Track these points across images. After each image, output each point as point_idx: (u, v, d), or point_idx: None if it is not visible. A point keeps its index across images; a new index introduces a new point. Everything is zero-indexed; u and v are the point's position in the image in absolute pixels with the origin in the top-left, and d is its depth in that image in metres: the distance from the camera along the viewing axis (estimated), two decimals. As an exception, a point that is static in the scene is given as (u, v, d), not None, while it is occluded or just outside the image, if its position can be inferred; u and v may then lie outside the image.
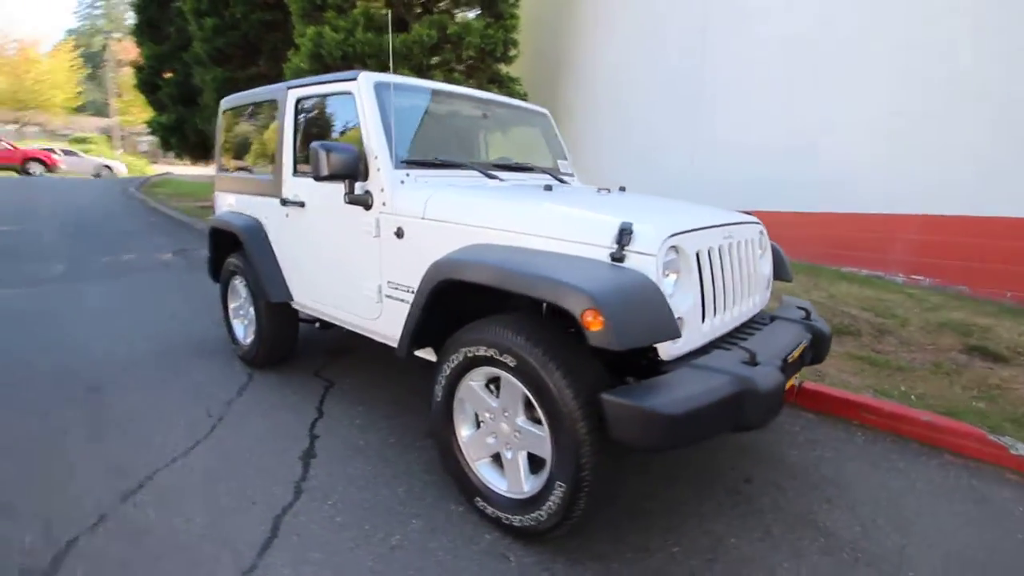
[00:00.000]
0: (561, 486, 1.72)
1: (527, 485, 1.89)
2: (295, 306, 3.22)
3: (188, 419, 2.81)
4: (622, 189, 2.89)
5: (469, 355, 1.94)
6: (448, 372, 2.04)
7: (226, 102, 3.73)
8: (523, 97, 7.96)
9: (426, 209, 2.28)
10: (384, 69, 8.08)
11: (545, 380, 1.70)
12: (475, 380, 2.01)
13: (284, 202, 3.01)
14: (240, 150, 3.63)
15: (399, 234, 2.38)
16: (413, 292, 2.36)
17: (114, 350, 3.73)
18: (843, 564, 1.88)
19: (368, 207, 2.48)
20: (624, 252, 1.75)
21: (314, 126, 2.91)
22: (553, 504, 1.75)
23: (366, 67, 7.80)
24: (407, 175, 2.46)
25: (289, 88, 3.01)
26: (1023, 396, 3.03)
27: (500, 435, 1.97)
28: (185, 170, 23.22)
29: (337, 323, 2.95)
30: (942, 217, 4.87)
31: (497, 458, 2.04)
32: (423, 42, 7.49)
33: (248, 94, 3.53)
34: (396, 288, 2.44)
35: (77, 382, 3.22)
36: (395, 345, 2.58)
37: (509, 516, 1.90)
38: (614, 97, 7.94)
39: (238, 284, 3.57)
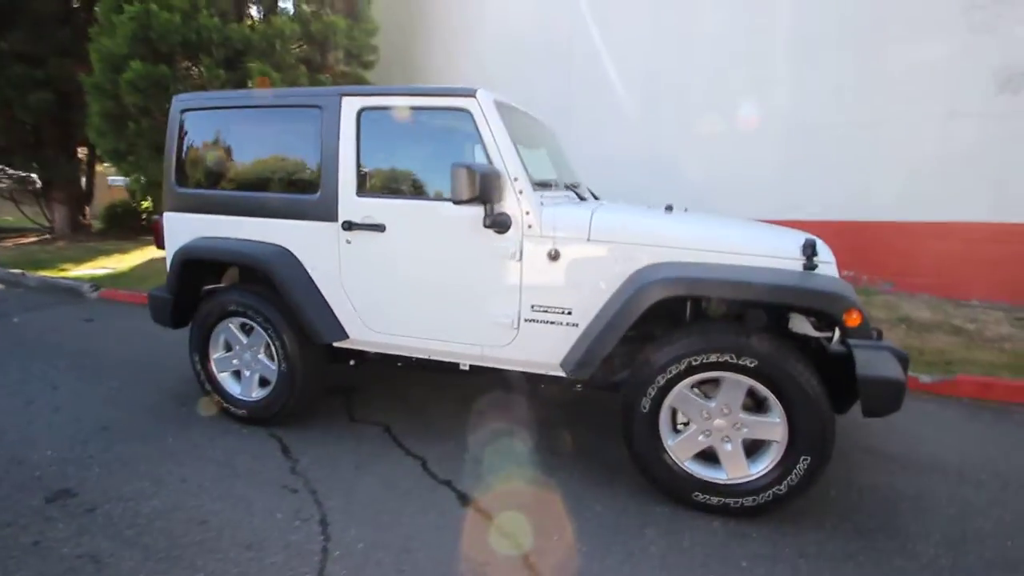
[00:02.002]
0: (806, 459, 2.05)
1: (753, 469, 2.17)
2: (348, 345, 2.79)
3: (270, 502, 2.27)
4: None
5: (695, 363, 2.11)
6: (662, 383, 2.17)
7: (186, 100, 2.94)
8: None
9: (592, 231, 2.33)
10: (232, 62, 6.88)
11: (788, 372, 2.01)
12: (686, 387, 2.19)
13: (348, 226, 2.61)
14: (232, 163, 2.91)
15: (553, 256, 2.37)
16: (568, 313, 2.39)
17: (26, 449, 2.66)
18: (982, 488, 2.47)
19: (505, 229, 2.39)
20: (815, 262, 2.17)
21: (392, 141, 2.60)
22: (796, 476, 2.07)
23: (212, 57, 6.56)
24: (543, 195, 2.45)
25: (344, 95, 2.61)
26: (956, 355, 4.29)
27: (715, 431, 2.20)
28: None
29: (426, 356, 2.69)
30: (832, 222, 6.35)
31: (700, 454, 2.26)
32: (285, 36, 6.68)
33: (246, 94, 2.87)
34: (545, 311, 2.42)
35: (33, 488, 2.26)
36: (529, 370, 2.55)
37: (740, 500, 2.15)
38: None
39: (232, 328, 2.90)
